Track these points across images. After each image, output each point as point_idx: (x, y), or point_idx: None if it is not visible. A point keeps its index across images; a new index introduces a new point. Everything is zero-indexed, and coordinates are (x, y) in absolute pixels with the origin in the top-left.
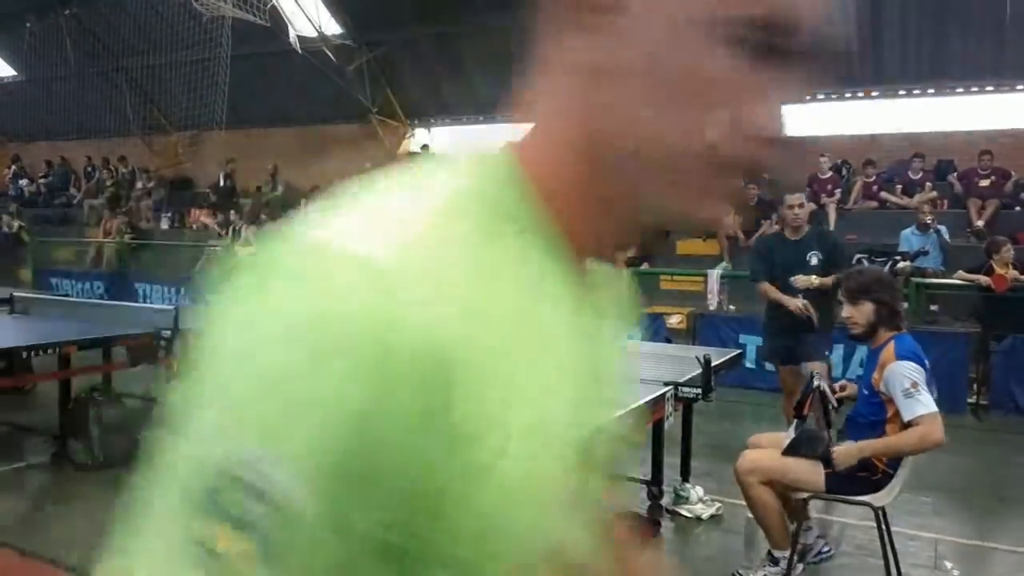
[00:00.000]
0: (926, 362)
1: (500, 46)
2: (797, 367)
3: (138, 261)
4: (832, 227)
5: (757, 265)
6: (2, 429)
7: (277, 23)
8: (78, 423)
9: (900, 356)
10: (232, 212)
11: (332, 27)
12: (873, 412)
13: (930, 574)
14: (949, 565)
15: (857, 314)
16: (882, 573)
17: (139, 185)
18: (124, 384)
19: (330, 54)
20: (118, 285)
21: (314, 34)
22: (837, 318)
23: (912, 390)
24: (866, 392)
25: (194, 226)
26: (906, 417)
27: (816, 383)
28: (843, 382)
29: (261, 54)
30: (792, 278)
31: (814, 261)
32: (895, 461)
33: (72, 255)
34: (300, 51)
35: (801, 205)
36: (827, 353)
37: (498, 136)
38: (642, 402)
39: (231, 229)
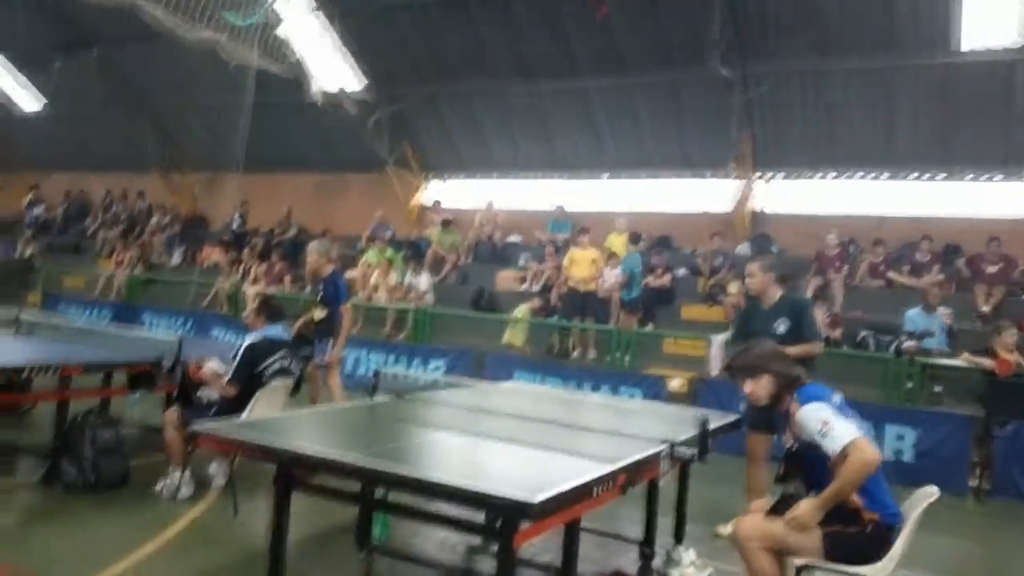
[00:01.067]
0: (833, 396)
1: (514, 108)
2: (768, 435)
3: (147, 293)
4: (838, 303)
5: (734, 329)
6: None
7: (300, 75)
8: (72, 444)
9: (803, 402)
10: (243, 251)
11: (353, 82)
12: (821, 462)
13: None
14: None
15: (758, 388)
16: None
17: (154, 220)
18: (120, 410)
19: (349, 109)
20: (125, 314)
21: (335, 89)
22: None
23: (824, 428)
24: (804, 447)
25: (204, 263)
26: (830, 453)
27: (790, 445)
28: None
29: (282, 103)
30: None
31: (781, 328)
32: (887, 516)
33: (82, 283)
34: (320, 105)
35: (751, 275)
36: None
37: (508, 191)
38: (638, 458)
39: (241, 267)
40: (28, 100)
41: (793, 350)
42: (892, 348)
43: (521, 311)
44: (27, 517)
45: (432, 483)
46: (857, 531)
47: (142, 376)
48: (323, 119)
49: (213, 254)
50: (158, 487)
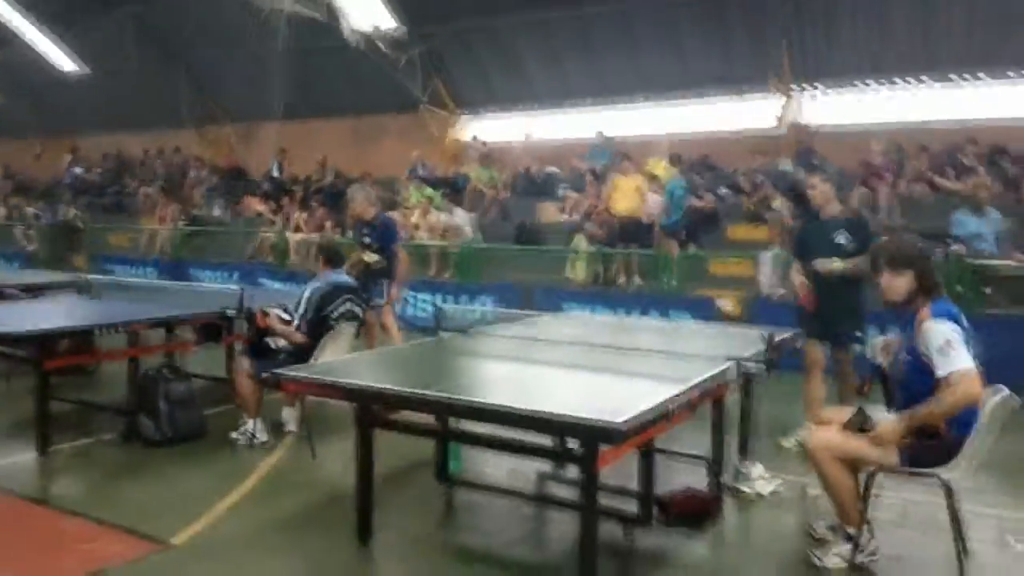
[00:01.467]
0: (964, 323)
1: (548, 38)
2: (825, 345)
3: (192, 247)
4: (885, 211)
5: (795, 245)
6: (73, 407)
7: (332, 17)
8: (147, 400)
9: (936, 315)
10: (284, 199)
11: (386, 20)
12: (922, 379)
13: (994, 549)
14: (1013, 540)
15: (896, 282)
16: (948, 548)
17: (192, 174)
18: (189, 363)
19: (383, 47)
20: (172, 270)
21: (368, 28)
22: (868, 301)
23: (946, 347)
24: (910, 359)
25: (246, 213)
26: (940, 372)
27: (877, 362)
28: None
29: (315, 49)
30: (814, 261)
31: (841, 240)
32: (962, 428)
33: (126, 241)
34: (353, 45)
35: (813, 187)
36: (857, 334)
37: (545, 122)
38: (707, 375)
39: (282, 216)
40: (64, 61)
41: (855, 261)
42: (939, 253)
43: (579, 242)
44: (112, 474)
45: (516, 412)
46: (934, 443)
47: (210, 328)
48: (356, 62)
49: (253, 204)
50: (234, 436)
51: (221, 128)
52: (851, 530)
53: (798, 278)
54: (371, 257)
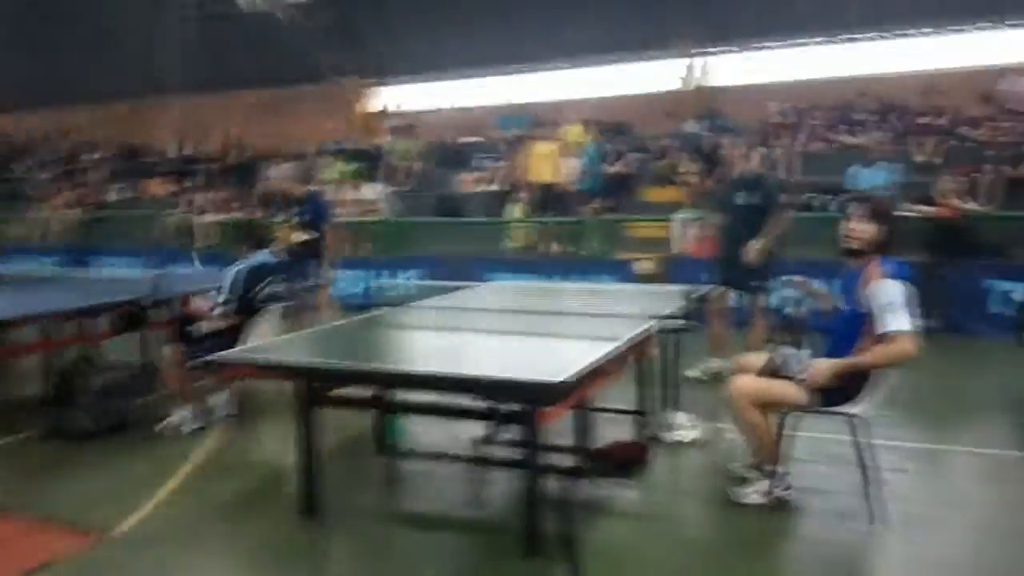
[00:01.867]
0: (909, 287)
1: (460, 3)
2: (725, 291)
3: (95, 233)
4: (785, 169)
5: (711, 202)
6: None
7: None
8: (70, 393)
9: (889, 275)
10: (189, 180)
11: None
12: (853, 327)
13: (896, 477)
14: (911, 467)
15: (866, 230)
16: (856, 479)
17: (88, 156)
18: (109, 353)
19: (284, 14)
20: (75, 259)
21: None
22: (775, 255)
23: (891, 306)
24: (848, 307)
25: (147, 196)
26: (881, 329)
27: (786, 310)
28: (818, 287)
29: (211, 16)
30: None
31: (740, 200)
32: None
33: (23, 231)
34: (248, 11)
35: (723, 147)
36: (765, 284)
37: (461, 91)
38: (634, 333)
39: (189, 197)
40: None
41: (768, 234)
42: (833, 206)
43: (513, 211)
44: (41, 470)
45: (456, 377)
46: (845, 388)
47: (131, 316)
48: (261, 30)
49: (156, 186)
50: (165, 424)
51: (118, 106)
52: (768, 467)
53: (691, 231)
54: (302, 236)
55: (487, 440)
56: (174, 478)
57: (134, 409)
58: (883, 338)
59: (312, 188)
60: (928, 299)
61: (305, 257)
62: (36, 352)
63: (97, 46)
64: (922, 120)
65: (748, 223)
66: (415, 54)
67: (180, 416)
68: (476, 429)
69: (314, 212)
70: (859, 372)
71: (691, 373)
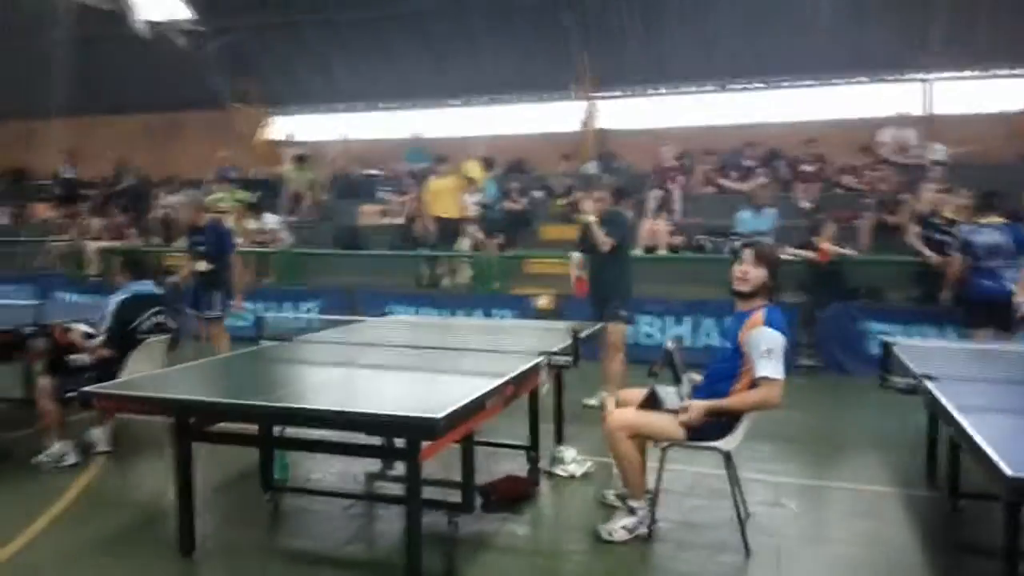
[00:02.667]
0: (787, 337)
1: (347, 40)
2: (618, 326)
3: None
4: (677, 210)
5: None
6: None
7: (122, 5)
8: None
9: (770, 324)
10: (77, 204)
11: (180, 10)
12: (730, 368)
13: (771, 510)
14: (787, 502)
15: (755, 274)
16: (731, 512)
17: None
18: None
19: (176, 40)
20: None
21: (160, 18)
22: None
23: (768, 354)
24: (730, 347)
25: (31, 220)
26: (756, 374)
27: (666, 346)
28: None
29: (101, 37)
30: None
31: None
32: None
33: None
34: (143, 36)
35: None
36: (622, 313)
37: (361, 123)
38: (520, 370)
39: (78, 223)
40: None
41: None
42: (726, 249)
43: (462, 245)
44: None
45: (337, 413)
46: (718, 424)
47: (10, 346)
48: (152, 54)
49: (42, 211)
50: (40, 459)
51: (1, 126)
52: (635, 504)
53: (573, 272)
54: (203, 266)
55: (378, 476)
56: (47, 515)
57: (12, 441)
58: (756, 382)
59: (211, 216)
60: (807, 339)
61: (206, 287)
62: None
63: None
64: (805, 168)
65: (602, 258)
66: (307, 85)
67: (59, 449)
68: (370, 465)
69: (217, 242)
70: (730, 412)
71: (590, 401)
